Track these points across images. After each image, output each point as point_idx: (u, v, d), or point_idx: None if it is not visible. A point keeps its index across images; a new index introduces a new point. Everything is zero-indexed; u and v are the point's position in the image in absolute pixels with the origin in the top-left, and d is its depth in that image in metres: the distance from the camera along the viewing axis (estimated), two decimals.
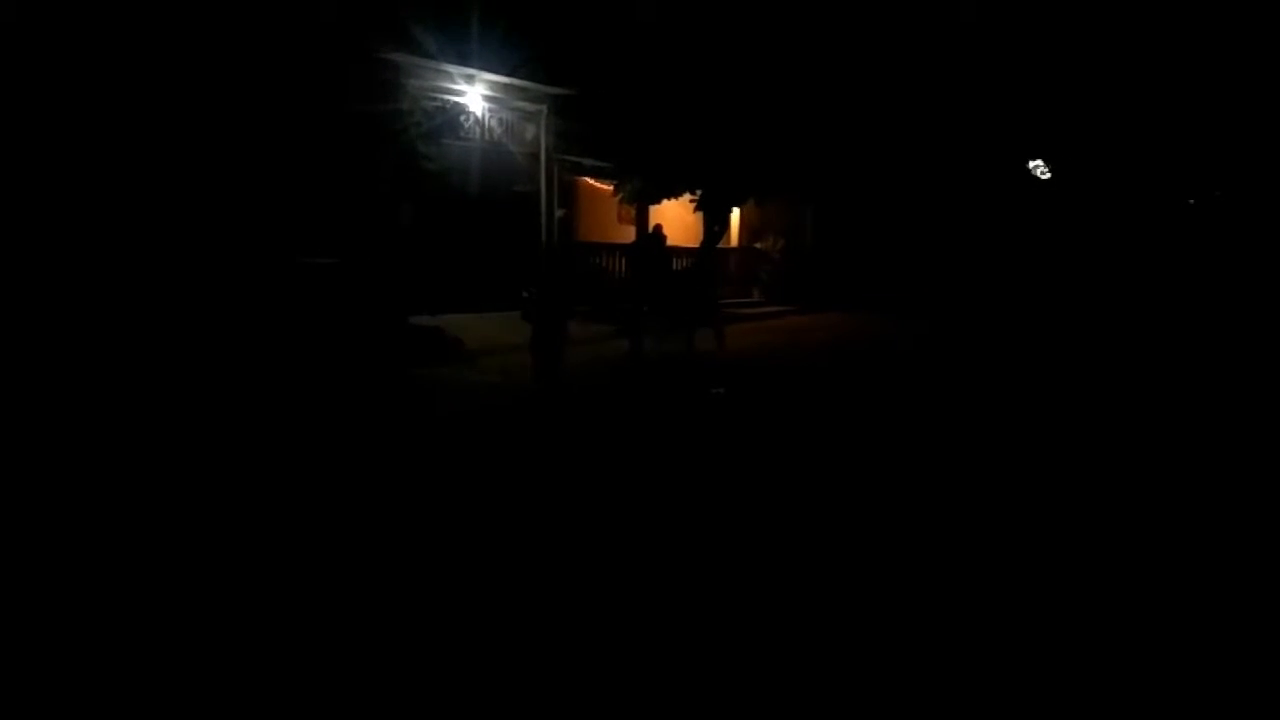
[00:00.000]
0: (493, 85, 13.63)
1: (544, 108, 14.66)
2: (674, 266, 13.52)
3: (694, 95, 13.49)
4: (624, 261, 15.01)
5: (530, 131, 14.88)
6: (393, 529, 4.37)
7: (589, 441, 6.36)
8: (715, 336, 10.86)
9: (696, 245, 16.88)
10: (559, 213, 15.30)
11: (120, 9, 9.27)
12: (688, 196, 15.42)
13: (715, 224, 15.27)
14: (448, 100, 13.35)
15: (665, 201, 15.41)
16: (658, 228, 12.65)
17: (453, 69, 12.99)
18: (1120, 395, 8.50)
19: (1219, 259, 18.20)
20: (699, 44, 13.00)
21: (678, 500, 4.86)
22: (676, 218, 15.91)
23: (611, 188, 15.53)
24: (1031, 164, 19.50)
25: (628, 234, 16.29)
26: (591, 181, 16.15)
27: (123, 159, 9.42)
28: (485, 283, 13.72)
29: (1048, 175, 19.55)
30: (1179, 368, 10.25)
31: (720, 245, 17.82)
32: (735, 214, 18.64)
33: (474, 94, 13.56)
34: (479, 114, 13.96)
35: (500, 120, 14.40)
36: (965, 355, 11.35)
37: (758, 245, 19.34)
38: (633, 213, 16.43)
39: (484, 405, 7.74)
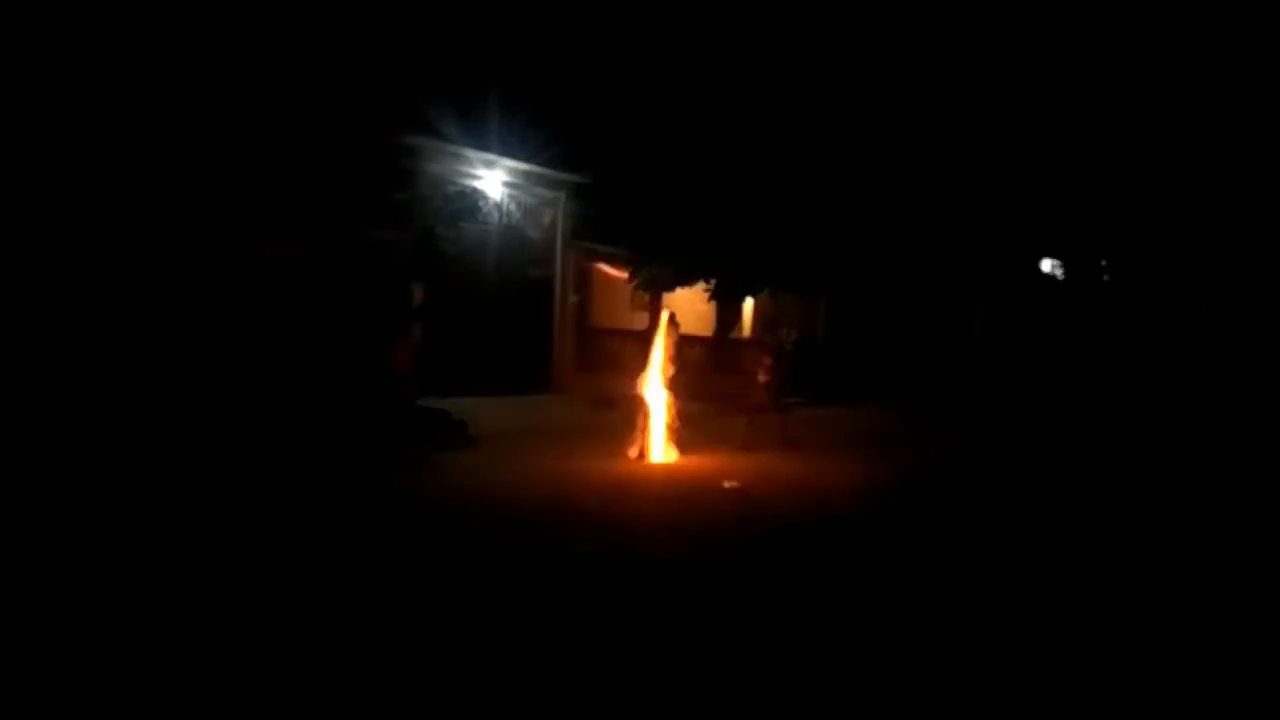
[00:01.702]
0: (512, 171, 13.79)
1: (562, 194, 14.79)
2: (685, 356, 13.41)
3: (712, 186, 13.57)
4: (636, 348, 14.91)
5: (547, 216, 14.98)
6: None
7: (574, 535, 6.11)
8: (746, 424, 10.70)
9: (709, 335, 16.85)
10: (573, 299, 15.31)
11: (131, 88, 9.40)
12: (702, 285, 15.43)
13: (729, 314, 15.23)
14: (467, 185, 13.48)
15: (680, 290, 15.41)
16: (671, 316, 12.56)
17: (473, 154, 13.16)
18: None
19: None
20: (718, 135, 13.12)
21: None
22: (690, 307, 15.88)
23: (627, 274, 15.55)
24: (1046, 264, 19.49)
25: (641, 321, 16.26)
26: (606, 267, 16.18)
27: (136, 248, 9.47)
28: (497, 367, 13.68)
29: (1061, 274, 19.52)
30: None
31: (733, 335, 17.75)
32: (749, 304, 18.62)
33: (493, 179, 13.70)
34: (497, 199, 14.09)
35: (518, 205, 14.51)
36: (975, 467, 10.93)
37: (769, 337, 19.24)
38: (647, 299, 16.43)
39: (474, 496, 7.50)
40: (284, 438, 8.90)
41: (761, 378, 11.10)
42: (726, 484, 8.23)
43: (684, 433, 10.00)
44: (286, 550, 5.44)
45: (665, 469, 9.31)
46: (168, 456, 7.91)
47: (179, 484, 7.12)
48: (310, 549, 5.48)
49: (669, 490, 8.14)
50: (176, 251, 9.95)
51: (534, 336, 14.63)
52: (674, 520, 6.84)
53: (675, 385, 10.51)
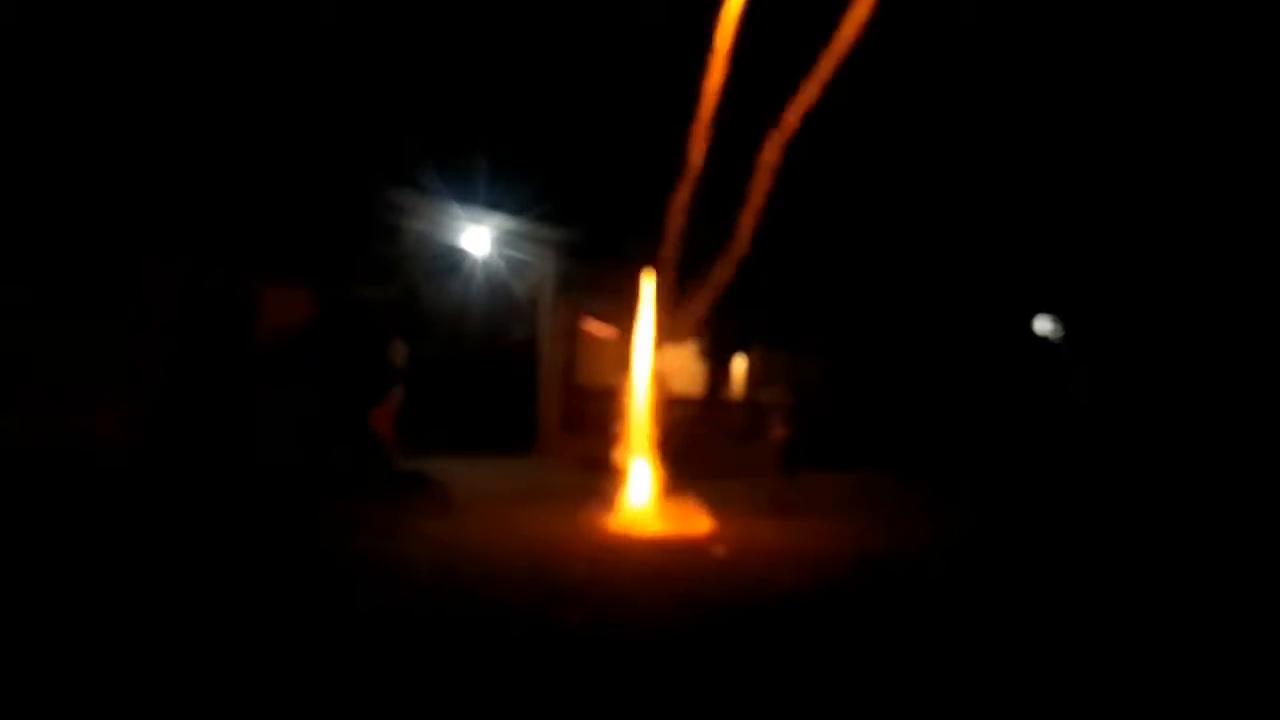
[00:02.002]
0: (498, 228, 13.56)
1: (549, 251, 14.55)
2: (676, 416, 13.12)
3: (700, 240, 13.37)
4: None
5: (534, 273, 14.72)
6: None
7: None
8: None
9: (700, 395, 16.54)
10: (560, 357, 15.01)
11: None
12: (692, 343, 15.18)
13: (720, 372, 14.98)
14: (452, 241, 13.26)
15: (669, 348, 15.12)
16: (659, 376, 12.32)
17: (459, 211, 12.94)
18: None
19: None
20: (708, 189, 12.92)
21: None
22: (681, 366, 15.61)
23: (615, 332, 15.28)
24: (1040, 324, 19.20)
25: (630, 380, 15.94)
26: (594, 324, 15.91)
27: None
28: (481, 427, 13.32)
29: (1060, 335, 19.23)
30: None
31: (724, 396, 17.45)
32: (740, 363, 18.32)
33: (479, 236, 13.47)
34: (483, 255, 13.84)
35: (505, 261, 14.25)
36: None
37: (762, 397, 18.90)
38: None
39: (452, 562, 7.09)
40: (261, 499, 8.66)
41: (778, 431, 10.80)
42: (716, 551, 7.88)
43: (669, 498, 9.67)
44: (242, 619, 5.04)
45: (653, 535, 8.92)
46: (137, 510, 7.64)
47: (148, 542, 6.78)
48: (275, 619, 5.09)
49: (655, 557, 7.76)
50: (164, 303, 9.88)
51: (519, 396, 14.28)
52: (658, 591, 6.46)
53: (661, 450, 10.23)
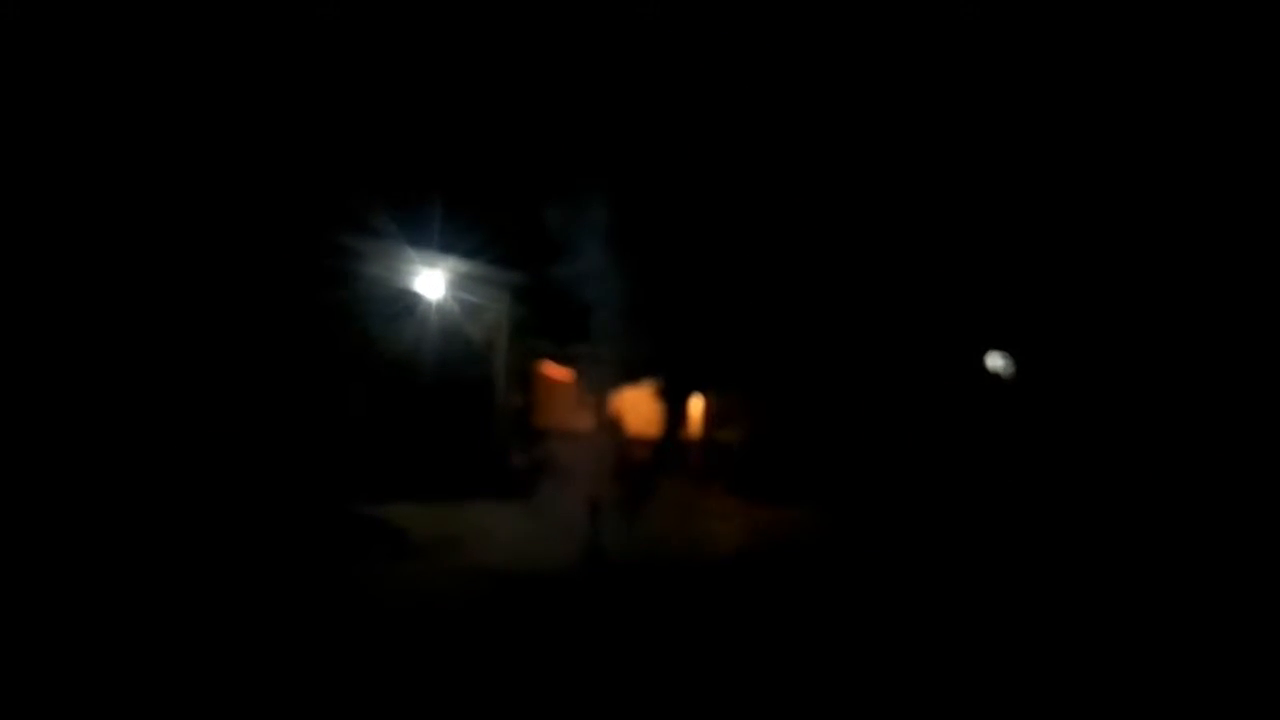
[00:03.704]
0: (453, 272, 13.54)
1: (504, 293, 14.57)
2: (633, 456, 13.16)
3: (656, 284, 13.50)
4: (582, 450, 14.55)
5: (489, 316, 14.71)
6: None
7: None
8: None
9: (657, 435, 16.57)
10: (516, 400, 14.96)
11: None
12: (649, 384, 15.24)
13: (676, 413, 15.04)
14: (406, 286, 13.22)
15: (626, 389, 15.17)
16: (615, 417, 12.38)
17: (413, 254, 12.91)
18: None
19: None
20: (663, 235, 13.12)
21: None
22: (636, 405, 15.65)
23: (571, 374, 15.31)
24: (992, 360, 19.34)
25: (586, 421, 15.94)
26: (550, 367, 15.92)
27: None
28: (437, 471, 13.18)
29: (1011, 371, 19.36)
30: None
31: (681, 435, 17.51)
32: (697, 404, 18.41)
33: (433, 279, 13.43)
34: (437, 299, 13.80)
35: (459, 304, 14.22)
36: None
37: (718, 436, 18.95)
38: (592, 399, 16.15)
39: (415, 604, 7.06)
40: (214, 544, 8.51)
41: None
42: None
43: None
44: None
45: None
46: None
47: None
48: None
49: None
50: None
51: (475, 439, 14.18)
52: None
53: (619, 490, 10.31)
